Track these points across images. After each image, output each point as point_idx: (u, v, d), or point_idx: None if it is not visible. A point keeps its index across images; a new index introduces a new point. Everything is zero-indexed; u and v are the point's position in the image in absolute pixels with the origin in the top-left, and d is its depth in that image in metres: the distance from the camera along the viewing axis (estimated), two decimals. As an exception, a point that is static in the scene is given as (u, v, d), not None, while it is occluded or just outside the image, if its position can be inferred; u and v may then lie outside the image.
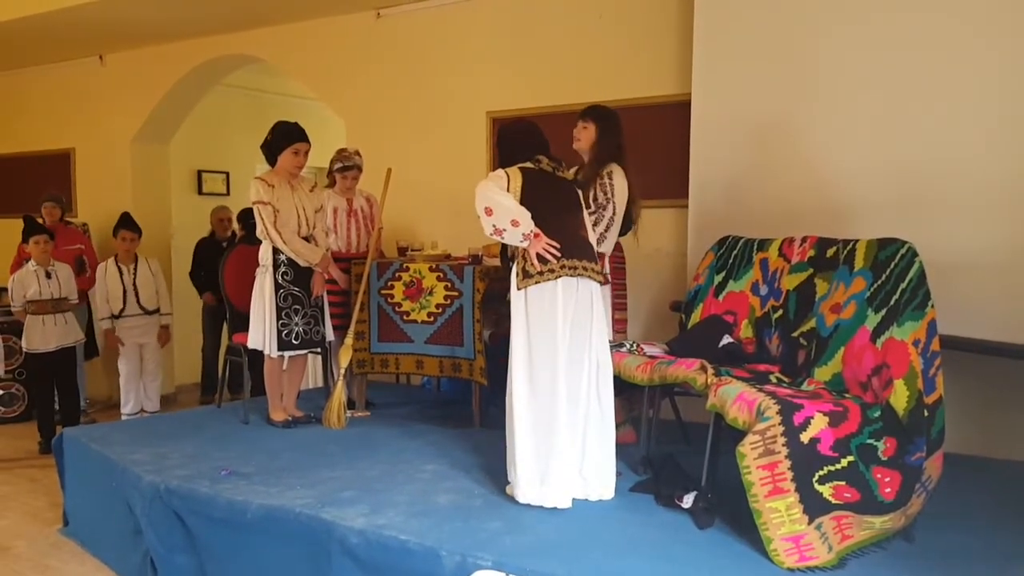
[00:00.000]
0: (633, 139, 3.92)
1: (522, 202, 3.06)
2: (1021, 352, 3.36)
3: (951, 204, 3.63)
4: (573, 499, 3.00)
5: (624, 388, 3.39)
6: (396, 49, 5.70)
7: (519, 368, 3.02)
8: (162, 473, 3.45)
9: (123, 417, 5.76)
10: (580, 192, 3.34)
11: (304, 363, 4.57)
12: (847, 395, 2.86)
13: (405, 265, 4.35)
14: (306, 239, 4.24)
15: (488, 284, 4.11)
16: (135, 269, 5.78)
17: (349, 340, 4.36)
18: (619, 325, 3.92)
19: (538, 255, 3.01)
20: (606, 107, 3.88)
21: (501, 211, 3.01)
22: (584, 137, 3.81)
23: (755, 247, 3.76)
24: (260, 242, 4.23)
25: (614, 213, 3.69)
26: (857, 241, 3.17)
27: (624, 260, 3.97)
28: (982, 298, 3.50)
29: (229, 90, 7.50)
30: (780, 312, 3.46)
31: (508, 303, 3.11)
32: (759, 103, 4.17)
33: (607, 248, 3.71)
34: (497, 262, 4.15)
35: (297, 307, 4.24)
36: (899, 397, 2.70)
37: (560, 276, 3.00)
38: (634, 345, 3.62)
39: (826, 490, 2.55)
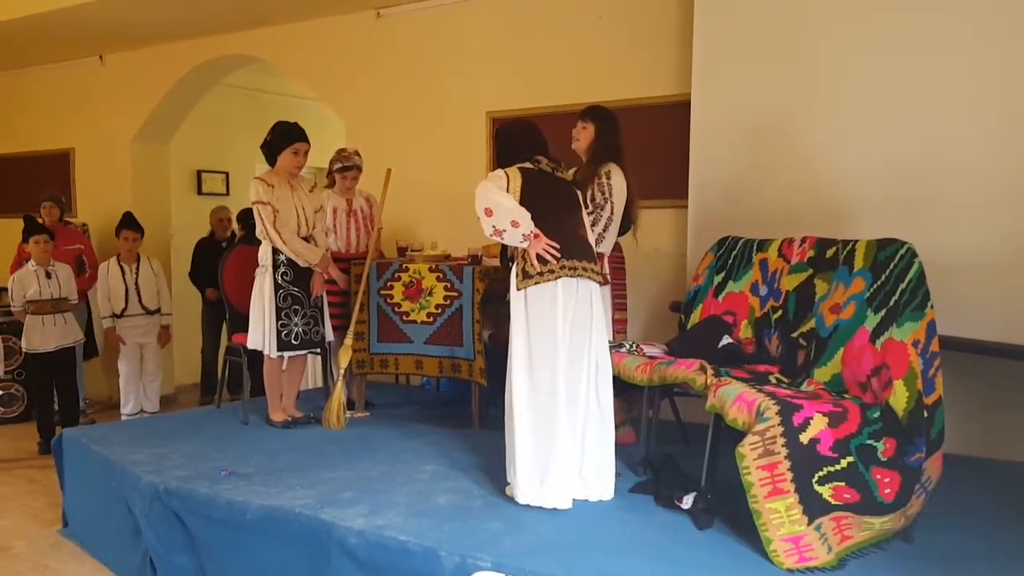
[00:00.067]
0: (633, 139, 3.92)
1: (522, 202, 3.06)
2: (1021, 353, 3.36)
3: (951, 204, 3.63)
4: (573, 500, 3.00)
5: (624, 388, 3.39)
6: (396, 49, 5.70)
7: (519, 368, 3.01)
8: (161, 473, 3.45)
9: (123, 417, 5.76)
10: (579, 192, 3.33)
11: (303, 363, 4.57)
12: (847, 396, 2.86)
13: (405, 265, 4.35)
14: (306, 239, 4.24)
15: (488, 284, 4.11)
16: (137, 269, 5.78)
17: (348, 340, 4.36)
18: (619, 325, 3.92)
19: (538, 256, 3.01)
20: (605, 107, 3.89)
21: (501, 212, 3.01)
22: (583, 137, 3.82)
23: (755, 247, 3.76)
24: (260, 242, 4.22)
25: (612, 213, 3.69)
26: (857, 241, 3.17)
27: (624, 260, 3.98)
28: (982, 299, 3.49)
29: (229, 90, 7.50)
30: (780, 313, 3.46)
31: (508, 304, 3.11)
32: (759, 103, 4.17)
33: (606, 248, 3.71)
34: (497, 262, 4.15)
35: (297, 307, 4.23)
36: (898, 398, 2.70)
37: (560, 277, 3.00)
38: (633, 345, 3.61)
39: (826, 491, 2.55)
